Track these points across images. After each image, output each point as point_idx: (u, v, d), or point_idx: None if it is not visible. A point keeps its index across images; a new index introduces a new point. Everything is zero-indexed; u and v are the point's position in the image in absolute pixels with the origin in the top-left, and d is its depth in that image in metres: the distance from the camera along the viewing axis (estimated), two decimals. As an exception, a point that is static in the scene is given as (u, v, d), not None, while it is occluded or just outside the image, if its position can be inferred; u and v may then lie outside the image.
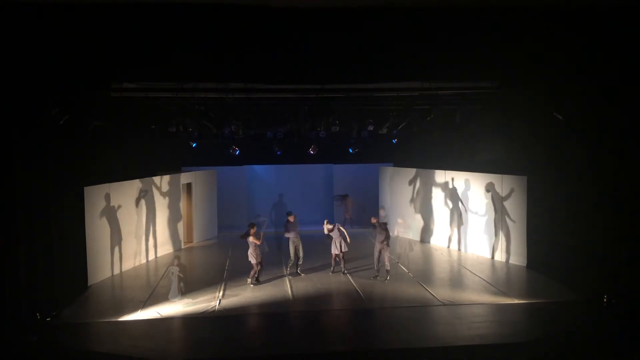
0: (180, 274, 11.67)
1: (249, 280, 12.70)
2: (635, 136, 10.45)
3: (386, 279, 12.88)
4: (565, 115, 11.54)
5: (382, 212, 13.90)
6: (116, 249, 13.82)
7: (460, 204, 15.89)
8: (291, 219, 13.36)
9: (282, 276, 13.38)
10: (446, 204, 16.50)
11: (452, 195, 16.21)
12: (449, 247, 16.41)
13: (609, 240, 11.00)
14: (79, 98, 11.16)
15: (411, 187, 17.79)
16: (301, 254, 13.42)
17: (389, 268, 12.98)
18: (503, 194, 14.62)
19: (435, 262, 14.83)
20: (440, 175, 16.72)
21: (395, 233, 13.83)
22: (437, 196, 16.87)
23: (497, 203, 14.78)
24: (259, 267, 12.71)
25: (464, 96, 12.84)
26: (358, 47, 9.21)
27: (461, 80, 11.40)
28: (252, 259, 12.56)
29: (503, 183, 14.65)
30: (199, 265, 14.93)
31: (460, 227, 16.00)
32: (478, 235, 15.42)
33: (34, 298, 10.28)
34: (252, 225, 12.71)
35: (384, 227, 13.00)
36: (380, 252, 12.96)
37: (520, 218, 14.08)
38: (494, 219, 14.88)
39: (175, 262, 11.78)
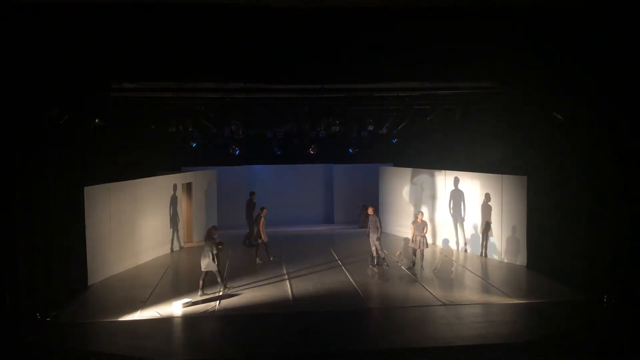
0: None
1: (271, 257, 14.55)
2: (635, 136, 10.45)
3: (385, 265, 13.90)
4: (565, 115, 11.54)
5: (370, 211, 14.07)
6: (116, 249, 13.81)
7: (460, 204, 15.88)
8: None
9: (282, 275, 13.39)
10: (445, 204, 16.49)
11: (452, 195, 16.20)
12: (449, 247, 16.41)
13: (608, 240, 11.00)
14: (79, 98, 11.16)
15: (410, 187, 17.78)
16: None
17: (383, 256, 13.97)
18: (503, 194, 14.61)
19: (435, 262, 14.81)
20: (440, 175, 16.71)
21: (420, 236, 13.85)
22: (437, 196, 16.85)
23: (497, 203, 14.78)
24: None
25: (464, 96, 12.85)
26: (358, 47, 9.22)
27: (461, 80, 11.40)
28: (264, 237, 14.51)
29: (503, 183, 14.64)
30: (199, 265, 14.88)
31: (460, 227, 15.99)
32: (478, 235, 15.41)
33: (34, 298, 10.28)
34: (262, 210, 14.69)
35: (377, 220, 13.94)
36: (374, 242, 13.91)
37: (520, 218, 14.07)
38: (494, 219, 14.88)
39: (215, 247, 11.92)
